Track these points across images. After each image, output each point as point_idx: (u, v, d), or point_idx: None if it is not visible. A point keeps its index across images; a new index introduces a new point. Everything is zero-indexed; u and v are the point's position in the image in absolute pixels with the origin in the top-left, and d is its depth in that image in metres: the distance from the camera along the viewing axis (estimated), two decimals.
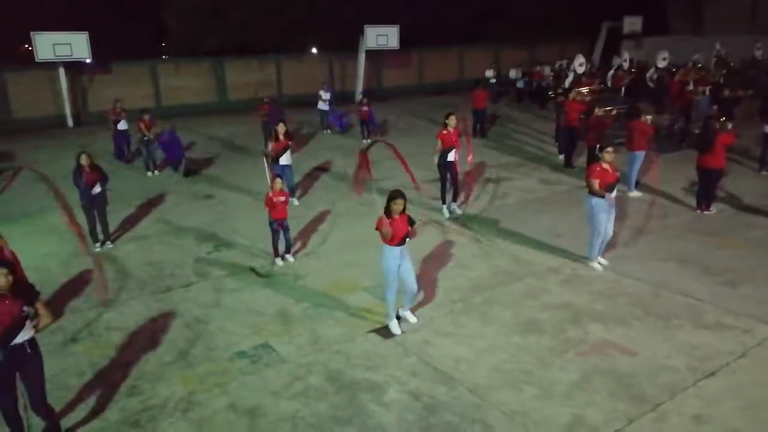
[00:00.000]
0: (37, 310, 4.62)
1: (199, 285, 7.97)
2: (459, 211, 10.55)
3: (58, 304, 7.44)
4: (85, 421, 5.24)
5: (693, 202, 10.57)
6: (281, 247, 8.59)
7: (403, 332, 6.51)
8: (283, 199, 8.38)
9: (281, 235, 8.50)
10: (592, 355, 5.99)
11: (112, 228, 9.98)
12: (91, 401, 5.50)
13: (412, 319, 6.74)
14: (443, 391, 5.48)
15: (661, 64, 20.79)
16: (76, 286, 8.03)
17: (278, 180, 8.40)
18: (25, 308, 4.49)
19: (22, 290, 4.60)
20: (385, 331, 6.54)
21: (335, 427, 5.05)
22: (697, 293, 7.27)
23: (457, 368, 5.85)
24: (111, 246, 9.42)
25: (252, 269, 8.37)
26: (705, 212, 10.26)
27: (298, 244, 9.26)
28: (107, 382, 5.79)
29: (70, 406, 5.41)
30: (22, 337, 4.50)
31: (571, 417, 5.07)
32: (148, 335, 6.68)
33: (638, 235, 9.31)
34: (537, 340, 6.31)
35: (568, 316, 6.80)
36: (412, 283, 6.49)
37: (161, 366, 6.06)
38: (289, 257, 8.66)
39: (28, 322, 4.53)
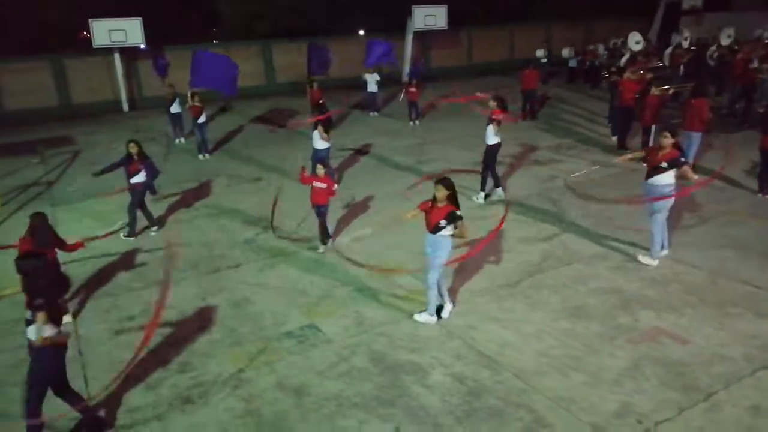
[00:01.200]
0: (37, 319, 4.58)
1: (248, 266, 8.14)
2: (481, 201, 10.29)
3: (112, 283, 7.74)
4: (139, 395, 5.45)
5: (755, 185, 10.10)
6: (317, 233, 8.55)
7: (440, 318, 6.45)
8: (323, 185, 8.22)
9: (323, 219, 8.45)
10: (642, 343, 5.83)
11: (162, 209, 10.28)
12: (144, 377, 5.71)
13: (446, 314, 6.55)
14: (488, 375, 5.45)
15: (725, 42, 19.78)
16: (130, 265, 8.32)
17: (319, 166, 8.40)
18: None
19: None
20: (428, 315, 6.52)
21: (379, 407, 5.10)
22: (757, 281, 6.96)
23: (502, 353, 5.80)
24: (153, 233, 9.44)
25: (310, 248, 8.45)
26: (767, 196, 9.80)
27: (344, 226, 9.32)
28: (160, 358, 6.00)
29: (125, 381, 5.63)
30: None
31: (619, 404, 4.97)
32: (199, 314, 6.88)
33: (695, 220, 8.97)
34: (586, 326, 6.19)
35: (618, 302, 6.64)
36: (435, 277, 6.29)
37: (211, 344, 6.24)
38: (320, 248, 8.48)
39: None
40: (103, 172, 9.24)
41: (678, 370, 5.37)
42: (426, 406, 5.08)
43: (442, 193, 6.01)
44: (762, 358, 5.48)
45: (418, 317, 6.45)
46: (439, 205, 6.04)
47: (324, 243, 8.54)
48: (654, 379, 5.28)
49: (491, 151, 10.05)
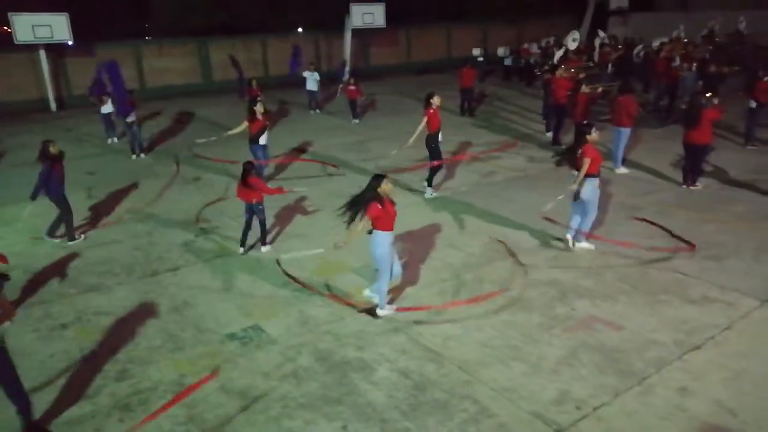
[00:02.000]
0: None
1: (187, 268, 7.94)
2: (431, 196, 10.43)
3: (44, 290, 7.41)
4: (76, 405, 5.22)
5: (680, 177, 10.63)
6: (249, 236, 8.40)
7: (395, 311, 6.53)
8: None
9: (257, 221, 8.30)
10: (579, 331, 6.05)
11: (95, 212, 9.91)
12: (81, 386, 5.49)
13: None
14: (433, 369, 5.53)
15: (655, 45, 20.73)
16: (62, 272, 7.97)
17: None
18: None
19: None
20: (374, 313, 6.55)
21: (326, 406, 5.08)
22: (684, 268, 7.34)
23: (446, 346, 5.89)
24: (57, 241, 8.97)
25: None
26: (691, 187, 10.33)
27: (287, 226, 9.24)
28: (97, 366, 5.77)
29: (61, 392, 5.40)
30: None
31: (558, 392, 5.13)
32: (137, 319, 6.66)
33: (626, 211, 9.36)
34: (525, 317, 6.37)
35: (556, 293, 6.85)
36: (397, 267, 6.45)
37: (151, 350, 6.05)
38: (263, 248, 8.38)
39: None
40: (35, 194, 8.64)
41: (613, 356, 5.60)
42: (373, 403, 5.10)
43: (390, 186, 6.13)
44: (689, 342, 5.79)
45: (380, 312, 6.46)
46: (387, 200, 6.11)
47: (263, 244, 8.41)
48: (590, 365, 5.48)
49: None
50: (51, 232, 8.90)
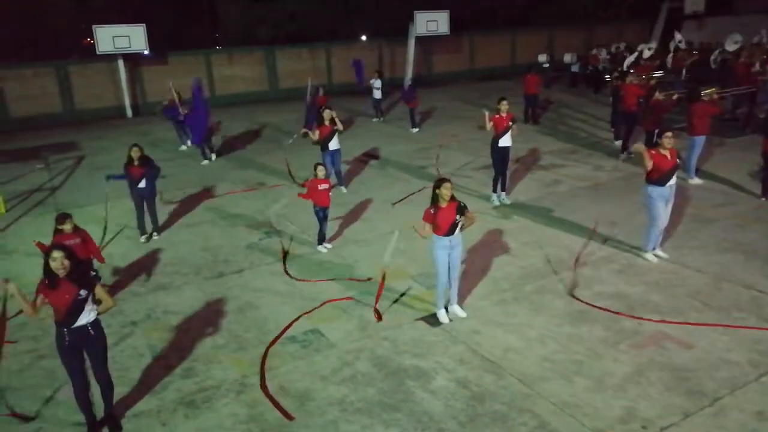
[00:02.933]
0: (96, 294, 4.81)
1: (251, 271, 8.15)
2: (507, 201, 10.37)
3: (118, 288, 7.76)
4: (143, 400, 5.45)
5: (758, 189, 10.09)
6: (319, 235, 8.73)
7: (450, 320, 6.49)
8: (326, 186, 8.43)
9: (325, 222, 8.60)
10: (646, 348, 5.82)
11: (167, 215, 10.33)
12: (149, 382, 5.72)
13: (461, 313, 6.60)
14: (491, 380, 5.44)
15: (731, 48, 19.75)
16: (135, 271, 8.33)
17: (320, 167, 8.46)
18: (81, 292, 4.67)
19: (81, 275, 4.78)
20: (432, 319, 6.53)
21: (383, 412, 5.09)
22: (761, 285, 6.95)
23: (506, 357, 5.79)
24: (156, 238, 9.50)
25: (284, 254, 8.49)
26: None
27: (346, 231, 9.35)
28: (164, 363, 6.00)
29: (130, 386, 5.64)
30: (83, 320, 4.71)
31: (623, 410, 4.95)
32: (203, 319, 6.88)
33: (699, 223, 8.96)
34: (589, 331, 6.18)
35: (622, 307, 6.62)
36: (453, 272, 6.40)
37: (215, 349, 6.24)
38: (321, 248, 8.67)
39: (87, 306, 4.72)
40: (114, 178, 9.25)
41: (683, 375, 5.35)
42: (430, 411, 5.07)
43: (448, 191, 6.08)
44: (767, 362, 5.46)
45: (441, 317, 6.49)
46: (443, 205, 6.08)
47: (320, 244, 8.70)
48: (658, 384, 5.26)
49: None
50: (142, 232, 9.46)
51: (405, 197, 10.80)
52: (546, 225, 9.26)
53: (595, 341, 5.99)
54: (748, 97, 15.58)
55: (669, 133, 7.49)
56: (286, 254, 8.55)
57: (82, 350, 4.83)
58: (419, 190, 11.11)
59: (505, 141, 9.98)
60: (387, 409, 5.14)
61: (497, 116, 9.90)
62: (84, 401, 4.94)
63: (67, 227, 6.89)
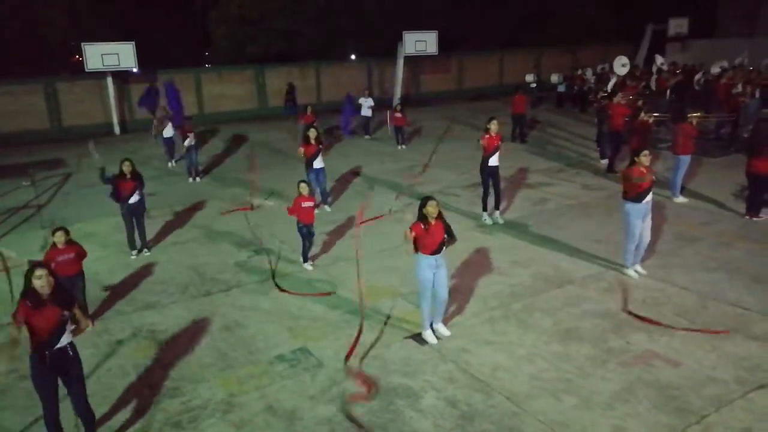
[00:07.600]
0: (75, 314, 4.71)
1: (238, 289, 8.11)
2: (501, 221, 10.40)
3: (104, 307, 7.68)
4: (128, 421, 5.37)
5: (742, 207, 10.23)
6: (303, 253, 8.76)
7: (438, 339, 6.47)
8: (310, 204, 8.50)
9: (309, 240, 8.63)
10: (634, 366, 5.84)
11: (154, 233, 10.27)
12: (134, 401, 5.64)
13: (445, 332, 6.58)
14: (480, 399, 5.43)
15: (714, 71, 20.13)
16: (121, 289, 8.26)
17: (303, 185, 8.51)
18: (65, 312, 4.58)
19: (63, 293, 4.68)
20: (421, 338, 6.51)
21: None
22: (745, 303, 7.02)
23: (494, 376, 5.78)
24: (147, 253, 9.50)
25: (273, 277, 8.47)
26: (754, 218, 9.92)
27: (333, 250, 9.34)
28: (150, 383, 5.94)
29: (115, 406, 5.56)
30: (63, 341, 4.60)
31: (611, 428, 4.95)
32: (189, 338, 6.82)
33: (684, 242, 9.05)
34: (577, 349, 6.20)
35: (609, 325, 6.65)
36: (443, 293, 6.36)
37: (202, 368, 6.18)
38: (307, 266, 8.70)
39: (68, 326, 4.62)
40: (105, 180, 9.23)
41: (670, 393, 5.38)
42: (419, 431, 5.04)
43: (434, 208, 6.09)
44: (752, 380, 5.51)
45: (427, 337, 6.46)
46: (432, 222, 6.09)
47: (305, 262, 8.73)
48: (646, 402, 5.28)
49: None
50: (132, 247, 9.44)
51: (370, 219, 10.54)
52: (534, 243, 9.31)
53: (583, 359, 6.00)
54: (731, 117, 15.85)
55: (646, 151, 7.63)
56: (273, 273, 8.53)
57: (58, 375, 4.68)
58: (388, 212, 11.03)
59: (494, 160, 10.06)
60: (376, 428, 5.10)
61: (488, 136, 9.98)
62: (56, 428, 4.77)
63: (59, 240, 6.81)
